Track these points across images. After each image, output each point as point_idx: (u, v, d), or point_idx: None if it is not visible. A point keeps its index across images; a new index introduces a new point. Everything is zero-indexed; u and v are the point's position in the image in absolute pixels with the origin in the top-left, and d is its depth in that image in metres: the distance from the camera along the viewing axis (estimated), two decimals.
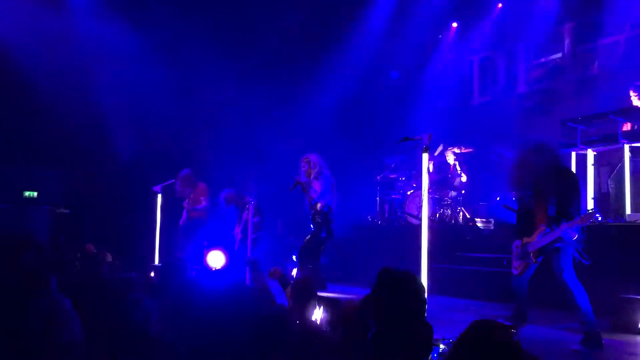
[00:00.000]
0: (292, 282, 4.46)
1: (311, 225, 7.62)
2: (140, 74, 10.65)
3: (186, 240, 9.23)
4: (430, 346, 2.93)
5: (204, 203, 9.29)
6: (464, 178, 10.29)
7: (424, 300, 2.94)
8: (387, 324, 2.83)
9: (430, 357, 2.90)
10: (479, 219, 10.00)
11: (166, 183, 9.17)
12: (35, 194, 9.68)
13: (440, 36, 13.09)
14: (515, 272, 5.31)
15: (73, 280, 4.25)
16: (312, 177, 7.58)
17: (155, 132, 10.91)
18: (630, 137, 6.89)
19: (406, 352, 2.73)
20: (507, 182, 5.54)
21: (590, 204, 7.03)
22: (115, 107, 10.67)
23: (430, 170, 10.66)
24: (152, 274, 7.39)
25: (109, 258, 7.60)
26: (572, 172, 5.49)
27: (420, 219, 5.40)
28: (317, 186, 7.54)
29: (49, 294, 2.97)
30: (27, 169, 9.94)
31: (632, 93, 7.26)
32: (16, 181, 9.68)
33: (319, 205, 7.51)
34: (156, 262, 8.85)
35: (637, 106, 7.16)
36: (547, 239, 4.92)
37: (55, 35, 10.10)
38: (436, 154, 10.63)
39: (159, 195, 9.09)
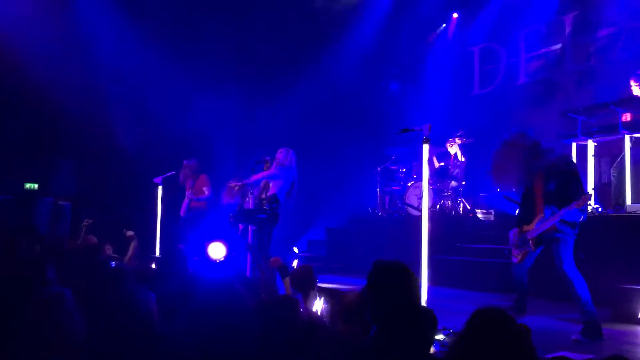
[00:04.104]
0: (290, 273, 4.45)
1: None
2: (142, 65, 10.63)
3: (187, 232, 9.23)
4: (435, 330, 2.92)
5: (206, 194, 9.28)
6: (462, 158, 10.30)
7: (417, 287, 2.94)
8: (386, 316, 2.83)
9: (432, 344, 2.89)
10: (479, 210, 10.01)
11: (167, 175, 9.18)
12: (36, 185, 9.68)
13: (441, 27, 13.04)
14: (514, 260, 5.34)
15: (73, 271, 4.25)
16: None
17: (157, 123, 10.90)
18: (631, 127, 6.86)
19: (409, 343, 2.73)
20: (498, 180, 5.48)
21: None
22: (117, 98, 10.66)
23: (435, 163, 10.64)
24: (153, 265, 7.40)
25: (109, 250, 7.61)
26: (569, 158, 5.50)
27: (420, 210, 5.40)
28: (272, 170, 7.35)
29: (48, 283, 2.97)
30: (28, 161, 9.94)
31: (632, 82, 7.22)
32: (18, 173, 9.68)
33: (270, 185, 7.31)
34: (157, 253, 8.87)
35: (637, 96, 7.14)
36: (545, 225, 4.96)
37: (57, 26, 10.07)
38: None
39: (160, 187, 9.12)
